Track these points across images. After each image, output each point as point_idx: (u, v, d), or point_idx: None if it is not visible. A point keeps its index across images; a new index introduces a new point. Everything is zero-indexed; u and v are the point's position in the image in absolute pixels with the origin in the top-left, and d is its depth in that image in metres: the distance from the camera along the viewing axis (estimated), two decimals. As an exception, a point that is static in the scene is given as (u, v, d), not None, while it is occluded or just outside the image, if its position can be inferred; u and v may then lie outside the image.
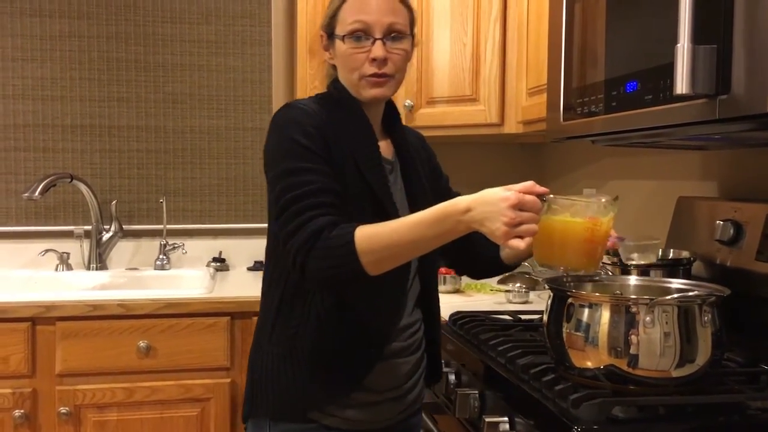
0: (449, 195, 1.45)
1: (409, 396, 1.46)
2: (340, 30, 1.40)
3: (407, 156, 1.50)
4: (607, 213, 1.24)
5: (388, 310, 1.41)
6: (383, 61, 1.38)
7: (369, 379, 1.39)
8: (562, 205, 1.22)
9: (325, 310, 1.36)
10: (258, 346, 1.45)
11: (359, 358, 1.38)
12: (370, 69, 1.38)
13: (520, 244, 1.15)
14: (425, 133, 2.44)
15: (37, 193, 2.41)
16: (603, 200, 1.26)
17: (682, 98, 1.13)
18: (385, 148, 1.47)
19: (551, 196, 1.21)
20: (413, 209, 1.39)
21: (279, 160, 1.33)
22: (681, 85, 1.09)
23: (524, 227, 1.15)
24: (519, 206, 1.16)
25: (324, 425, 1.38)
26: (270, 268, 1.45)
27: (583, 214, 1.23)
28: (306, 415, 1.38)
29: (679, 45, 1.09)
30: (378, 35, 1.38)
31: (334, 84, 1.45)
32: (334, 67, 1.46)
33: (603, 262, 1.52)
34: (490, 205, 1.17)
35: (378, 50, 1.37)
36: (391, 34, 1.39)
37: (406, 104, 2.41)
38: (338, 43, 1.40)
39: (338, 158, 1.35)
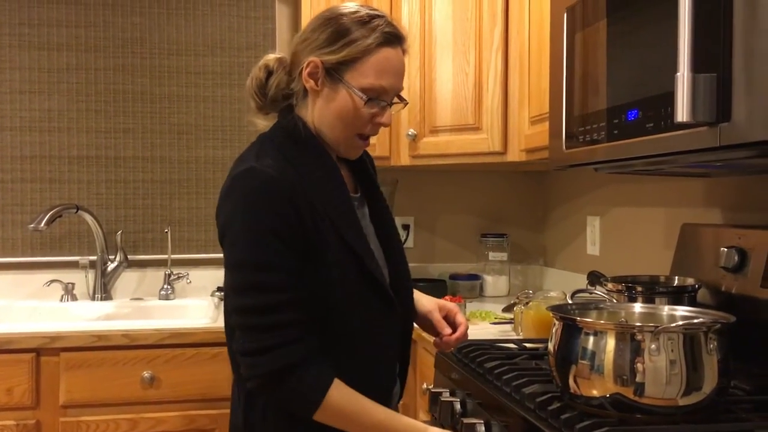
0: None
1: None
2: (353, 81, 1.30)
3: (372, 188, 1.48)
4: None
5: (385, 371, 1.41)
6: (383, 126, 1.37)
7: None
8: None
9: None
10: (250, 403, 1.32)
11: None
12: (371, 130, 1.36)
13: None
14: (429, 162, 2.47)
15: (42, 224, 2.42)
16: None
17: (683, 126, 1.14)
18: (348, 179, 1.41)
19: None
20: (387, 251, 1.42)
21: (245, 244, 1.24)
22: (682, 114, 1.10)
23: None
24: None
25: None
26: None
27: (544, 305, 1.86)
28: None
29: (679, 74, 1.10)
30: (389, 101, 1.35)
31: (295, 120, 1.36)
32: (304, 92, 1.36)
33: (609, 290, 1.69)
34: None
35: (388, 118, 1.36)
36: (395, 99, 1.37)
37: (409, 133, 2.42)
38: (344, 91, 1.31)
39: (314, 225, 1.26)
